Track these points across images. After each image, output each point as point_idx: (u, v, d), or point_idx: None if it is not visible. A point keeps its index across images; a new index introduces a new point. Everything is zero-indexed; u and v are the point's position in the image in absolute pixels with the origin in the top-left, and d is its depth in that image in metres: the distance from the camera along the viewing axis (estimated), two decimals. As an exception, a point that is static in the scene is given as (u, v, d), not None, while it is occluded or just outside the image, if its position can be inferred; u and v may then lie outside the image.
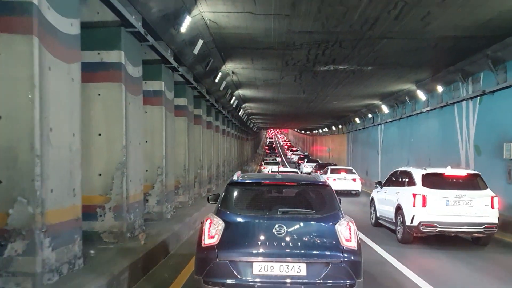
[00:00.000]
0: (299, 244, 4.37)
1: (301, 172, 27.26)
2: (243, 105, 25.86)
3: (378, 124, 26.01)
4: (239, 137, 37.58)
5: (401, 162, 20.16)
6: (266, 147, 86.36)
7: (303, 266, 4.24)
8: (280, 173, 5.82)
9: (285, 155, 72.20)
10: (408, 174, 9.51)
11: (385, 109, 23.37)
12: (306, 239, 4.43)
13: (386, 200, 10.25)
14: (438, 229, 8.36)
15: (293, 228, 4.44)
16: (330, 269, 4.25)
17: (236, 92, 20.01)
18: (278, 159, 44.40)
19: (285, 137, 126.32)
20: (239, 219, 4.63)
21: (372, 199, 11.42)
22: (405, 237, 8.81)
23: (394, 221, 9.46)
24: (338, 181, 19.77)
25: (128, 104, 7.10)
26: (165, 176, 9.87)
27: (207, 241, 4.43)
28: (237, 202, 4.93)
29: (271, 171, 22.02)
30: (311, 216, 4.66)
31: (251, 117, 35.99)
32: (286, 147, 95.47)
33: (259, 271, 4.23)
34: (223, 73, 14.74)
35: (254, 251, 4.34)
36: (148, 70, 8.63)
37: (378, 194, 11.00)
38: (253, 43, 11.36)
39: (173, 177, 10.89)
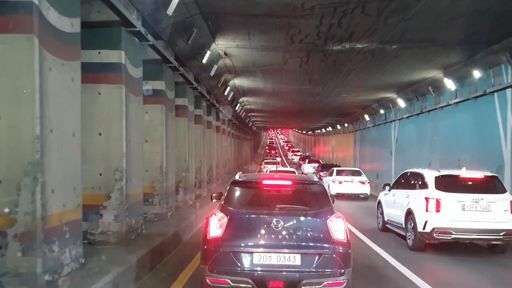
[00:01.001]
0: (294, 237, 4.81)
1: (302, 173, 26.94)
2: (240, 100, 23.09)
3: (392, 121, 23.28)
4: (238, 137, 34.85)
5: (420, 163, 17.44)
6: (266, 147, 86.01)
7: (298, 257, 4.69)
8: (277, 172, 6.22)
9: (286, 155, 69.91)
10: (420, 176, 8.91)
11: (401, 103, 20.61)
12: (301, 232, 4.86)
13: (395, 204, 9.66)
14: (453, 236, 7.84)
15: (289, 223, 4.87)
16: (322, 259, 4.70)
17: (231, 83, 17.25)
18: (278, 159, 45.36)
19: (285, 138, 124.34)
20: (241, 214, 5.05)
21: (379, 202, 10.79)
22: (417, 244, 8.33)
23: (404, 226, 8.91)
24: (344, 184, 18.35)
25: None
26: (126, 182, 7.09)
27: (212, 234, 4.84)
28: (238, 199, 5.37)
29: (270, 171, 22.58)
30: (305, 212, 5.10)
31: (249, 114, 33.17)
32: (286, 148, 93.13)
33: (259, 260, 4.68)
34: (212, 53, 11.99)
35: (254, 243, 4.78)
36: (101, 34, 6.78)
37: (386, 197, 10.40)
38: (250, 5, 8.63)
39: (141, 182, 8.14)
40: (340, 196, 18.49)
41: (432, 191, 8.15)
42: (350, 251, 4.86)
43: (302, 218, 5.01)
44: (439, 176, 8.34)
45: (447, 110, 16.20)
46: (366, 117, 27.99)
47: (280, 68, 14.39)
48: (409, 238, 8.63)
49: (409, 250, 8.48)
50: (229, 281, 4.65)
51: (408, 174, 9.81)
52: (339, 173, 19.38)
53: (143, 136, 8.45)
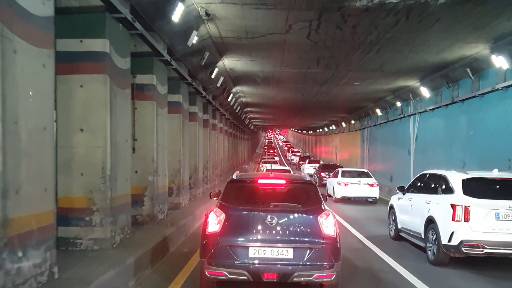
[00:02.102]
0: (287, 232, 5.13)
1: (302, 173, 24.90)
2: (234, 89, 19.70)
3: (410, 115, 19.96)
4: (233, 135, 31.49)
5: (450, 164, 14.18)
6: (265, 147, 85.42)
7: (290, 250, 5.02)
8: (273, 171, 7.43)
9: (285, 156, 66.89)
10: (443, 179, 7.97)
11: (424, 93, 17.26)
12: (293, 228, 5.20)
13: (411, 210, 8.76)
14: (486, 250, 6.76)
15: (282, 219, 5.20)
16: (313, 253, 5.03)
17: (220, 64, 13.88)
18: (276, 158, 45.66)
19: (284, 139, 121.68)
20: (238, 211, 5.39)
21: (392, 207, 9.92)
22: (440, 258, 7.33)
23: (422, 236, 8.00)
24: (351, 187, 16.84)
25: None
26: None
27: (210, 229, 5.20)
28: (235, 197, 5.63)
29: (266, 169, 22.63)
30: (297, 209, 5.47)
31: (246, 109, 29.78)
32: (285, 148, 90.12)
33: (254, 254, 5.01)
34: (189, 12, 8.63)
35: (250, 238, 5.10)
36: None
37: (400, 202, 9.47)
38: None
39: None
40: (345, 200, 17.21)
41: (459, 197, 7.18)
42: (339, 245, 5.20)
43: (294, 215, 5.35)
44: (467, 178, 7.34)
45: (491, 97, 12.86)
46: (378, 112, 24.65)
47: (282, 40, 11.04)
48: (429, 250, 7.68)
49: (429, 264, 7.58)
50: (226, 273, 5.00)
51: (427, 176, 8.79)
52: (345, 174, 17.68)
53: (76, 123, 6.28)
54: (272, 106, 27.38)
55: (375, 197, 16.90)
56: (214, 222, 5.18)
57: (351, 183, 16.85)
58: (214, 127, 19.81)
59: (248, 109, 29.54)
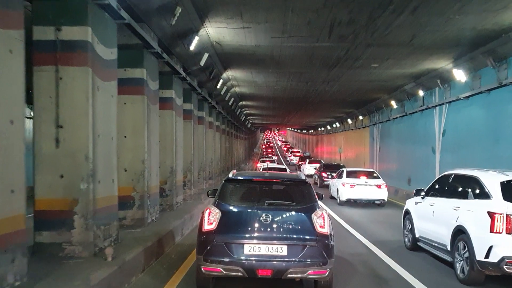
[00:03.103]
0: (281, 229, 5.22)
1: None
2: (224, 75, 16.37)
3: (436, 106, 16.71)
4: (228, 133, 28.21)
5: (496, 164, 10.92)
6: (263, 147, 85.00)
7: (285, 247, 5.10)
8: (268, 171, 7.49)
9: (284, 157, 63.92)
10: (474, 181, 6.74)
11: (459, 75, 13.98)
12: (287, 225, 5.29)
13: (433, 217, 7.57)
14: None
15: (277, 217, 5.29)
16: (307, 250, 5.11)
17: (203, 32, 10.56)
18: (274, 157, 44.78)
19: (283, 139, 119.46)
20: (233, 209, 5.49)
21: (408, 213, 8.75)
22: (473, 276, 6.21)
23: (448, 248, 6.86)
24: (357, 188, 15.61)
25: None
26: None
27: (206, 227, 5.26)
28: (231, 195, 5.74)
29: (263, 168, 22.24)
30: (292, 207, 5.56)
31: (240, 103, 26.41)
32: (284, 148, 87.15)
33: (249, 251, 5.07)
34: None
35: (245, 235, 5.17)
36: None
37: (419, 207, 8.27)
38: None
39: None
40: (351, 203, 15.80)
41: (498, 203, 6.00)
42: (332, 243, 5.28)
43: (289, 213, 5.43)
44: (506, 181, 6.21)
45: None
46: (393, 104, 21.36)
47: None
48: (458, 266, 6.52)
49: (457, 282, 6.44)
50: (221, 270, 5.08)
51: (453, 177, 7.61)
52: (350, 174, 16.31)
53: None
54: (271, 99, 24.05)
55: (383, 200, 15.60)
56: (210, 219, 5.26)
57: (357, 184, 15.55)
58: (201, 121, 16.52)
59: (244, 102, 26.18)
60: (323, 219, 5.27)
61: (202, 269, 5.16)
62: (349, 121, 32.23)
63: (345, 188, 15.57)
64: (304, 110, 30.71)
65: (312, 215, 5.28)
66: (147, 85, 8.73)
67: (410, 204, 8.84)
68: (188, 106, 13.83)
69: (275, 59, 13.43)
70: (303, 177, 6.15)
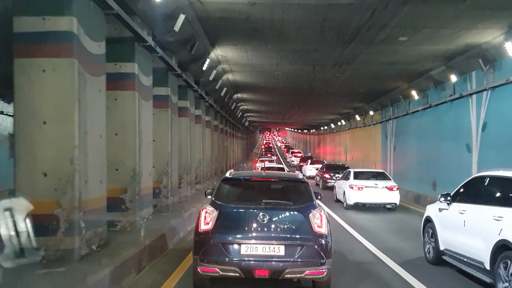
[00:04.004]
0: (278, 229, 5.16)
1: (303, 175, 22.66)
2: (212, 54, 13.15)
3: (472, 94, 13.57)
4: (222, 130, 25.11)
5: None
6: (262, 147, 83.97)
7: (282, 247, 5.03)
8: (267, 169, 7.10)
9: (284, 158, 61.06)
10: None
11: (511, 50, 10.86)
12: (285, 225, 5.24)
13: (465, 228, 6.46)
14: None
15: (274, 217, 5.22)
16: (304, 249, 5.05)
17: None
18: (273, 157, 44.67)
19: (283, 140, 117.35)
20: (230, 209, 5.41)
21: (429, 221, 7.69)
22: None
23: (487, 267, 5.73)
24: (366, 191, 14.41)
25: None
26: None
27: (203, 227, 5.21)
28: (228, 195, 5.69)
29: (261, 168, 22.11)
30: (289, 206, 5.53)
31: (236, 96, 23.17)
32: (284, 149, 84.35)
33: (246, 251, 5.01)
34: None
35: (242, 235, 5.12)
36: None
37: (444, 214, 7.19)
38: None
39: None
40: (358, 207, 14.61)
41: None
42: (330, 242, 5.22)
43: (286, 212, 5.39)
44: None
45: None
46: (414, 94, 18.19)
47: None
48: None
49: None
50: (218, 270, 5.02)
51: (490, 180, 6.37)
52: (358, 176, 15.11)
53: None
54: (271, 91, 20.83)
55: (395, 203, 14.35)
56: (206, 219, 5.21)
57: (366, 186, 14.31)
58: (185, 112, 13.39)
59: (239, 95, 22.98)
60: (320, 219, 5.24)
61: (199, 269, 5.13)
62: (357, 117, 29.06)
63: (352, 190, 14.36)
64: (307, 106, 27.51)
65: (310, 214, 5.25)
66: (79, 40, 5.61)
67: (432, 211, 7.71)
68: (162, 90, 10.73)
69: (275, 27, 10.26)
70: (300, 176, 6.13)
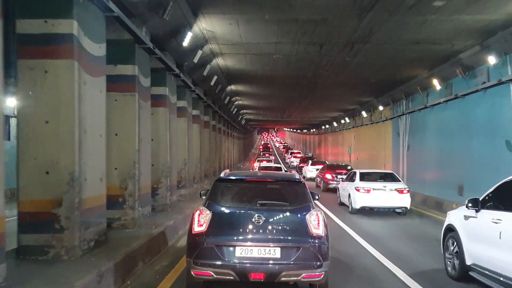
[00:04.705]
0: (274, 231, 4.99)
1: (303, 177, 24.26)
2: (196, 28, 10.54)
3: (516, 78, 11.10)
4: (215, 128, 22.62)
5: None
6: (260, 147, 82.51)
7: (278, 250, 4.88)
8: (264, 169, 8.33)
9: (283, 158, 58.69)
10: None
11: None
12: (280, 227, 5.06)
13: (501, 240, 5.44)
14: None
15: (269, 218, 5.07)
16: (301, 252, 4.90)
17: None
18: (272, 157, 44.10)
19: (281, 140, 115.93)
20: (224, 210, 5.25)
21: (451, 230, 6.71)
22: None
23: None
24: (374, 194, 12.97)
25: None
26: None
27: (196, 228, 5.04)
28: (222, 196, 5.51)
29: (259, 166, 22.43)
30: (285, 207, 5.31)
31: (229, 88, 20.52)
32: (282, 149, 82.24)
33: (241, 254, 4.86)
34: None
35: (236, 237, 4.95)
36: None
37: (471, 223, 6.25)
38: None
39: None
40: (365, 212, 13.50)
41: None
42: (327, 244, 5.06)
43: (282, 214, 5.21)
44: None
45: None
46: (436, 84, 15.67)
47: None
48: None
49: None
50: (212, 273, 4.85)
51: None
52: (364, 177, 13.97)
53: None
54: (269, 81, 18.23)
55: (406, 207, 13.30)
56: (200, 221, 5.07)
57: (374, 188, 13.21)
58: (162, 101, 10.86)
59: (233, 87, 20.36)
60: (317, 220, 5.10)
61: (192, 272, 4.96)
62: (364, 114, 26.55)
63: (359, 193, 13.23)
64: (309, 101, 24.97)
65: (306, 215, 5.11)
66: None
67: (455, 219, 6.77)
68: (127, 70, 8.21)
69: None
70: (297, 176, 5.99)
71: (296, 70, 15.51)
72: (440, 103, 15.74)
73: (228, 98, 21.77)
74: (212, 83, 15.46)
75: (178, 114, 13.10)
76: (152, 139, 10.10)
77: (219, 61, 14.19)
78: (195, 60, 11.69)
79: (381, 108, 23.12)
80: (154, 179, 10.36)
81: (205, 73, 13.73)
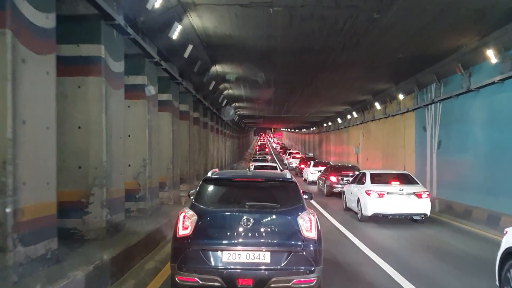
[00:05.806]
0: (264, 234, 4.73)
1: (304, 180, 24.71)
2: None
3: None
4: (199, 121, 18.64)
5: None
6: (256, 147, 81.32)
7: (267, 254, 4.64)
8: (259, 168, 6.50)
9: (281, 160, 54.54)
10: None
11: None
12: (270, 230, 4.80)
13: None
14: None
15: (259, 220, 4.78)
16: (292, 256, 4.66)
17: None
18: (268, 157, 43.16)
19: (279, 141, 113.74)
20: (211, 212, 4.99)
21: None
22: None
23: None
24: (388, 198, 11.30)
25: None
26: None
27: (181, 232, 4.79)
28: (209, 197, 5.26)
29: (254, 166, 21.66)
30: (275, 209, 5.01)
31: (214, 68, 16.36)
32: (280, 150, 78.90)
33: (228, 258, 4.61)
34: None
35: (224, 241, 4.68)
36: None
37: None
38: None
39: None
40: (377, 219, 11.70)
41: None
42: (320, 248, 4.84)
43: (272, 216, 4.96)
44: None
45: None
46: (491, 55, 11.64)
47: None
48: None
49: None
50: (197, 279, 4.65)
51: None
52: (375, 179, 12.13)
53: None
54: (264, 56, 14.06)
55: (426, 214, 11.32)
56: (185, 224, 4.81)
57: (388, 192, 11.30)
58: (93, 69, 6.83)
59: (219, 68, 16.18)
60: (310, 222, 4.84)
61: (177, 278, 4.76)
62: (377, 105, 22.55)
63: (370, 198, 11.52)
64: (313, 90, 20.88)
65: (298, 218, 4.86)
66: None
67: None
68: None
69: None
70: (289, 175, 5.67)
71: (300, 37, 11.42)
72: (494, 83, 11.75)
73: (213, 84, 17.66)
74: (186, 55, 11.33)
75: (134, 96, 9.12)
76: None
77: (193, 20, 10.09)
78: (157, 5, 7.61)
79: (401, 97, 19.08)
80: (69, 191, 6.36)
81: (174, 36, 9.63)
